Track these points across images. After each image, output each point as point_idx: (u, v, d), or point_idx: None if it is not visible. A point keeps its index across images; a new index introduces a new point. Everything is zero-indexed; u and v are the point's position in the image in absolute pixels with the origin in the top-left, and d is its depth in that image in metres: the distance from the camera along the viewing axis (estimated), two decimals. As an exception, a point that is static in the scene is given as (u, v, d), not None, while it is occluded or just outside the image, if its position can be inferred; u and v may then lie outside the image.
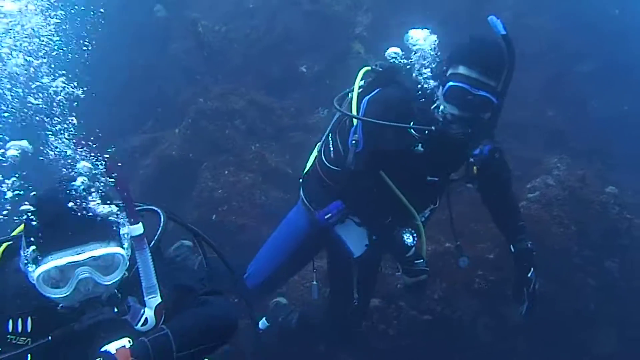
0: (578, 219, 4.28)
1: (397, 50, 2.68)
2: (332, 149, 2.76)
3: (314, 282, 3.06)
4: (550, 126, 5.74)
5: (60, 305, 1.61)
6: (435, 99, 2.46)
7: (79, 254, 1.55)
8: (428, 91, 2.49)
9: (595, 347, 4.58)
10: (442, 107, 2.41)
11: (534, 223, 4.07)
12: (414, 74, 2.55)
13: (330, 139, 2.79)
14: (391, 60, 2.68)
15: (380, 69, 2.71)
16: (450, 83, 2.32)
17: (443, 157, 2.57)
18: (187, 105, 5.25)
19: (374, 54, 5.90)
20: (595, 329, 4.59)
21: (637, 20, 10.02)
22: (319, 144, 2.96)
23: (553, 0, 7.97)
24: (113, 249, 1.62)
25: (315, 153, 2.99)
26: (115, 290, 1.66)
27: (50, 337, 1.57)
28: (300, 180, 3.02)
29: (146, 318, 1.68)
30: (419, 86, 2.51)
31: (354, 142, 2.53)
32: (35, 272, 1.54)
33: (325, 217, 2.69)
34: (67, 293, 1.57)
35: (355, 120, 2.58)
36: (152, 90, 6.26)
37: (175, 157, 4.77)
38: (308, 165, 3.03)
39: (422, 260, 2.68)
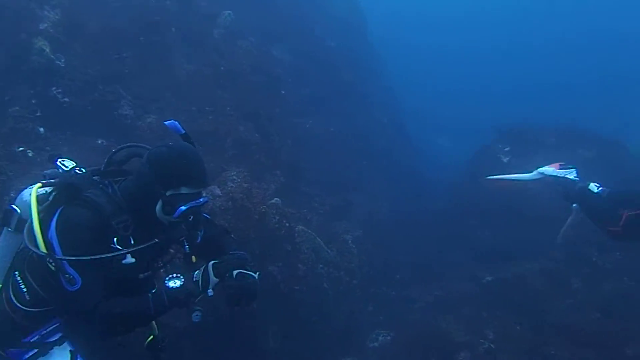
0: (239, 227, 4.86)
1: (70, 162, 2.69)
2: (25, 289, 2.56)
3: None
4: (245, 140, 6.39)
5: None
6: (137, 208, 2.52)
7: None
8: (125, 202, 2.53)
9: (261, 344, 5.28)
10: (160, 217, 2.52)
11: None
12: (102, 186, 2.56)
13: (19, 278, 2.58)
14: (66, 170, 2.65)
15: (56, 185, 2.56)
16: (183, 208, 2.47)
17: (157, 256, 2.69)
18: None
19: (63, 53, 5.74)
20: (262, 327, 5.30)
21: (352, 51, 12.09)
22: None
23: (264, 23, 8.98)
24: None
25: None
26: None
27: None
28: None
29: None
30: (111, 197, 2.52)
31: (66, 281, 2.37)
32: None
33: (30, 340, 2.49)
34: None
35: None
36: None
37: None
38: None
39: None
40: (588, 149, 8.00)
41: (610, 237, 4.00)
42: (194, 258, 2.74)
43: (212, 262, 2.60)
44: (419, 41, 18.49)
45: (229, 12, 7.68)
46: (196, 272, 2.59)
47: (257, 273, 2.61)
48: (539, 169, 4.64)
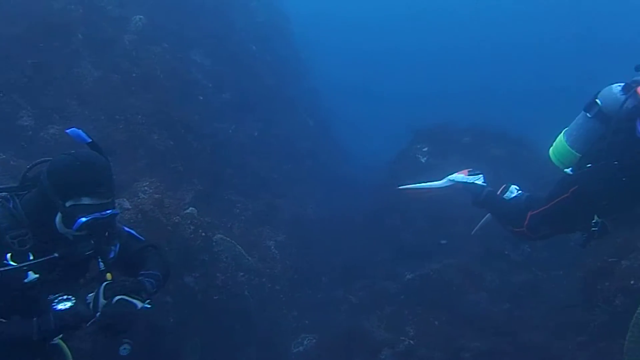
0: (152, 240, 4.74)
1: None
2: None
3: None
4: (159, 148, 6.24)
5: None
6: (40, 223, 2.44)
7: None
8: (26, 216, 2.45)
9: (182, 358, 5.18)
10: (61, 230, 2.44)
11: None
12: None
13: None
14: None
15: None
16: (83, 219, 2.37)
17: (66, 275, 2.57)
18: None
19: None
20: (181, 342, 5.19)
21: (275, 54, 12.11)
22: None
23: (181, 28, 8.82)
24: None
25: None
26: None
27: None
28: None
29: None
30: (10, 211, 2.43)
31: None
32: None
33: None
34: None
35: None
36: None
37: None
38: None
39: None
40: (499, 147, 8.45)
41: (516, 237, 4.21)
42: (109, 275, 2.63)
43: (105, 282, 2.53)
44: (341, 43, 18.85)
45: (140, 17, 7.48)
46: (90, 294, 2.51)
47: (142, 304, 2.50)
48: (448, 177, 4.81)
